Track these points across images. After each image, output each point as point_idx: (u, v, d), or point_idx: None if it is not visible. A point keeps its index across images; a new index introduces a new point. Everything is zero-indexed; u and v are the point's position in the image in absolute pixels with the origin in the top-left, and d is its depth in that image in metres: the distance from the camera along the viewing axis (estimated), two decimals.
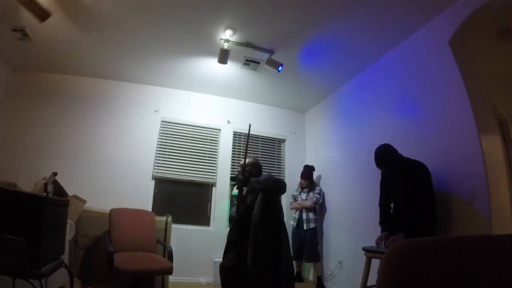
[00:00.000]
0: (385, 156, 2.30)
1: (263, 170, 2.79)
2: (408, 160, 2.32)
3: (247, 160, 2.67)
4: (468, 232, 2.06)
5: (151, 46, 3.37)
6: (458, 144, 2.28)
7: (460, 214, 2.17)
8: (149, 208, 3.88)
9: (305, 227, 3.78)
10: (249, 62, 3.55)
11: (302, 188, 4.07)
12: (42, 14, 2.51)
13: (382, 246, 2.34)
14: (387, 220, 2.46)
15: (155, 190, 4.07)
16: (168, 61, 3.68)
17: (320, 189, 3.98)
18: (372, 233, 2.54)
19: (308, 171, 4.07)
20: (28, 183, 3.38)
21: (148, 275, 2.95)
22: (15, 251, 1.55)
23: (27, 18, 2.77)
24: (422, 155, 2.37)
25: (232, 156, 4.43)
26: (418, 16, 2.62)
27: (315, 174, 4.16)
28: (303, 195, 3.97)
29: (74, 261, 3.08)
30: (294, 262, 3.92)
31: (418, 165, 2.25)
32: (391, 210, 2.49)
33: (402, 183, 2.30)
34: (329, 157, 4.16)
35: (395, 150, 2.33)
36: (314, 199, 3.83)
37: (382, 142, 2.45)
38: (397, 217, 2.36)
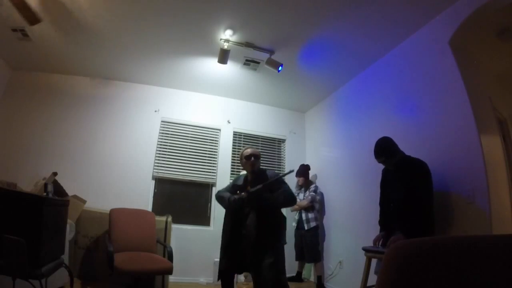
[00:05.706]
0: (381, 147, 2.35)
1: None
2: (408, 157, 2.32)
3: (251, 151, 2.43)
4: (468, 232, 2.06)
5: (151, 46, 3.37)
6: (458, 144, 2.28)
7: (460, 214, 2.17)
8: (149, 208, 3.88)
9: (306, 227, 3.77)
10: (249, 62, 3.55)
11: (299, 187, 4.07)
12: (33, 19, 2.52)
13: (379, 246, 2.34)
14: (385, 220, 2.46)
15: (155, 190, 4.07)
16: (168, 61, 3.67)
17: (316, 187, 3.96)
18: (372, 233, 2.53)
19: (303, 169, 4.08)
20: (28, 183, 3.38)
21: (148, 275, 2.95)
22: (15, 251, 1.55)
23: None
24: (422, 155, 2.36)
25: (232, 156, 4.42)
26: (418, 16, 2.62)
27: (310, 173, 4.16)
28: (301, 195, 3.96)
29: (74, 261, 3.07)
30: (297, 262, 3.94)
31: (417, 162, 2.24)
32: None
33: (400, 180, 2.30)
34: (329, 157, 4.16)
35: (394, 144, 2.35)
36: (309, 197, 3.82)
37: None
38: (396, 216, 2.36)
